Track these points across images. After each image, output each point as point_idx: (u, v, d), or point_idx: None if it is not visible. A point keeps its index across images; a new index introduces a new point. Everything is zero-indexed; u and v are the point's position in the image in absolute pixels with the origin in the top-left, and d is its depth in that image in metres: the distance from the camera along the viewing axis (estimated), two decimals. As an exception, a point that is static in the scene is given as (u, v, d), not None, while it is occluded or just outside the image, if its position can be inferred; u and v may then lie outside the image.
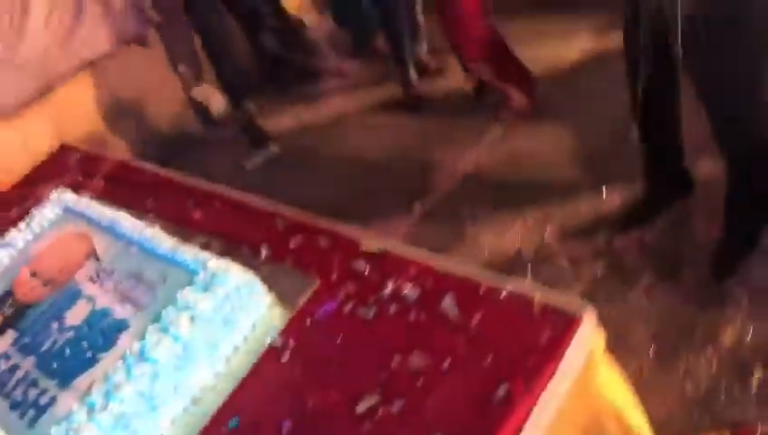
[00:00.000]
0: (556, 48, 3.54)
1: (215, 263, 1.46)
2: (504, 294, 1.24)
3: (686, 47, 1.86)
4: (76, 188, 2.03)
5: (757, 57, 1.89)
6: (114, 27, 3.84)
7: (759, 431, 1.84)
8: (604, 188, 2.73)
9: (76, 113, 3.79)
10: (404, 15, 3.59)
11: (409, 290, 1.33)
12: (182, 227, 1.74)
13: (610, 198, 2.71)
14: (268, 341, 1.42)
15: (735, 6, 1.80)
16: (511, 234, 2.75)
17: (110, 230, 1.74)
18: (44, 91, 3.68)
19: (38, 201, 1.99)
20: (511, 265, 2.59)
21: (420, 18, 3.77)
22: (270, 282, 1.49)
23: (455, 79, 3.65)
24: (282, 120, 4.06)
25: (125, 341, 1.43)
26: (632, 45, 2.09)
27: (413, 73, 3.71)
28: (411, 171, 3.29)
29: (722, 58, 1.88)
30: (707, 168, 2.48)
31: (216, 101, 4.09)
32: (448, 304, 1.26)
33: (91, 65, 3.81)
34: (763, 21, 1.85)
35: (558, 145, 3.07)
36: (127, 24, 3.88)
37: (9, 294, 1.73)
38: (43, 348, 1.53)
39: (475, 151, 3.24)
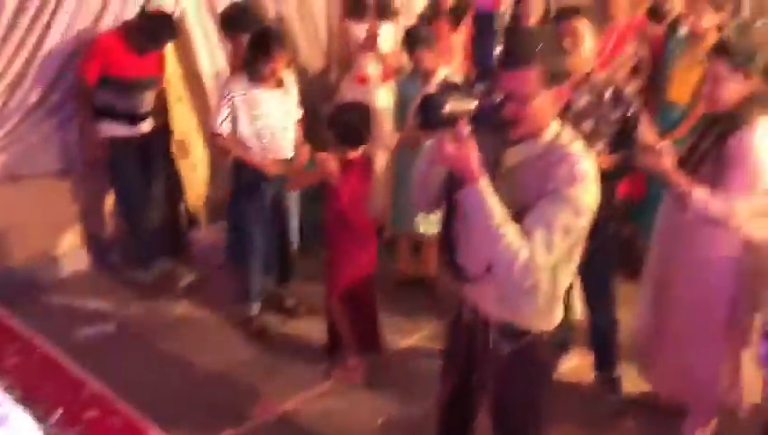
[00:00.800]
0: (402, 331, 3.91)
1: (7, 407, 1.54)
2: None
3: (488, 373, 2.19)
4: None
5: (541, 389, 2.25)
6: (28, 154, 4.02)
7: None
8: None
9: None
10: (259, 250, 3.89)
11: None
12: (-5, 366, 1.82)
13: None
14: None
15: (530, 344, 2.17)
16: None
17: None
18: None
19: None
20: None
21: (292, 258, 4.10)
22: (51, 442, 1.57)
23: (307, 324, 3.93)
24: (130, 303, 4.19)
25: None
26: (449, 351, 2.43)
27: (256, 308, 3.97)
28: (234, 394, 3.41)
29: (512, 388, 2.22)
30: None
31: None
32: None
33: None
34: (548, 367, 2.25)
35: (373, 416, 3.29)
36: (47, 154, 4.09)
37: None
38: None
39: (300, 397, 3.41)
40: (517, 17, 4.41)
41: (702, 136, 2.77)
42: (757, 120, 2.59)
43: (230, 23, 4.08)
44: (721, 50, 2.65)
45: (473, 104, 1.81)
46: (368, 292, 3.57)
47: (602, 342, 3.35)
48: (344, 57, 4.88)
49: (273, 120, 3.73)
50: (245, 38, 3.75)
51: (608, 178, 2.86)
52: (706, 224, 2.68)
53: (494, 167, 1.92)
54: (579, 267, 2.23)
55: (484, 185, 1.84)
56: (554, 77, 1.90)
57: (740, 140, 2.58)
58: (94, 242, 4.52)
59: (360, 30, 4.53)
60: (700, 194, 2.60)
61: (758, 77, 2.61)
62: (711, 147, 2.69)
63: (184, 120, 4.75)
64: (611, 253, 3.15)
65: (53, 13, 3.85)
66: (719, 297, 2.83)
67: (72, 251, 4.46)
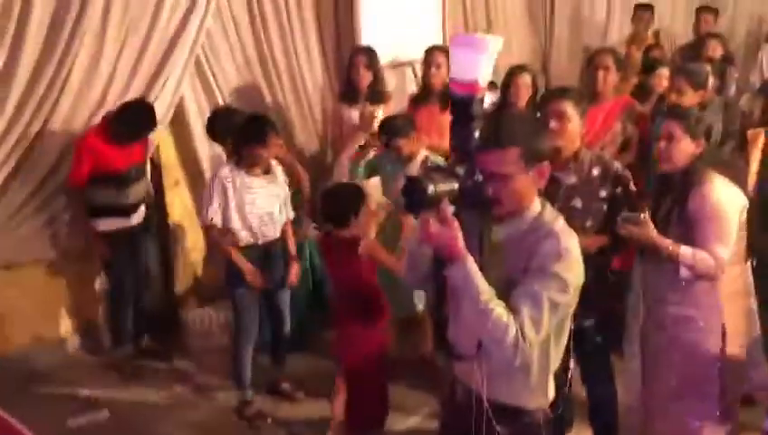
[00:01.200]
0: (401, 409, 3.79)
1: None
2: None
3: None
4: None
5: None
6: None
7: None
8: None
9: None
10: (251, 335, 3.87)
11: None
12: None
13: None
14: None
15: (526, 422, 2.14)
16: None
17: None
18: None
19: None
20: None
21: (285, 338, 4.07)
22: None
23: (304, 406, 3.89)
24: (122, 388, 4.13)
25: None
26: (445, 431, 2.40)
27: (250, 392, 3.91)
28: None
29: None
30: None
31: None
32: None
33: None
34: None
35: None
36: (39, 243, 4.13)
37: None
38: None
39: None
40: (505, 101, 4.51)
41: (660, 197, 2.95)
42: (710, 176, 2.81)
43: (217, 129, 4.13)
44: (674, 113, 2.96)
45: (455, 184, 1.85)
46: (373, 371, 3.49)
47: (601, 416, 3.30)
48: (338, 139, 4.98)
49: (260, 206, 3.76)
50: (230, 141, 3.83)
51: (600, 255, 2.93)
52: (695, 281, 2.81)
53: (479, 245, 1.95)
54: (574, 342, 2.22)
55: (470, 263, 1.86)
56: (534, 156, 1.94)
57: (701, 196, 2.78)
58: (85, 328, 4.52)
59: (353, 113, 4.64)
60: (687, 252, 2.77)
61: (703, 139, 2.87)
62: (672, 207, 2.87)
63: (180, 204, 4.82)
64: (606, 327, 3.14)
65: (54, 106, 3.94)
66: (708, 358, 2.89)
67: (62, 338, 4.45)
